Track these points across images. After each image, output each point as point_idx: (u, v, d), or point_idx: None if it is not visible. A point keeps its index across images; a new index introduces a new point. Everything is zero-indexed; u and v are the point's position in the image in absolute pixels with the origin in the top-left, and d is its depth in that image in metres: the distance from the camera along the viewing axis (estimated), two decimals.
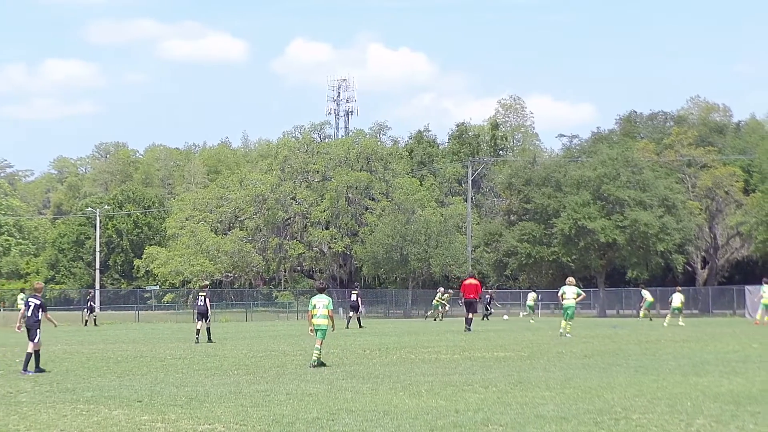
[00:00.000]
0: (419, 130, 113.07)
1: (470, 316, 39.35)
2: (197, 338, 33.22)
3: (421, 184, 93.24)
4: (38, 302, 21.86)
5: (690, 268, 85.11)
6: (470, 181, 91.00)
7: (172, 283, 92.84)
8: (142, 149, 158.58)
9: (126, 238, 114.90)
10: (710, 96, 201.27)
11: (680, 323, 43.22)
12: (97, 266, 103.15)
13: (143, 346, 31.42)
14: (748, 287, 67.08)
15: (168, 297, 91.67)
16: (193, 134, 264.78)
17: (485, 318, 57.94)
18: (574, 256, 76.66)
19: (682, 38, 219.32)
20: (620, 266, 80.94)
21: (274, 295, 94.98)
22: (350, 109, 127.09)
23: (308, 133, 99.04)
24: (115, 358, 25.49)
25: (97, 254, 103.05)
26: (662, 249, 74.42)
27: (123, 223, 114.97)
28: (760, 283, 49.12)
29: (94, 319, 59.86)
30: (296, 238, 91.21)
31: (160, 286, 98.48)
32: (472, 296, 39.75)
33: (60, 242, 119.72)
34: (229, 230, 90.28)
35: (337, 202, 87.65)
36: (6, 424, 12.82)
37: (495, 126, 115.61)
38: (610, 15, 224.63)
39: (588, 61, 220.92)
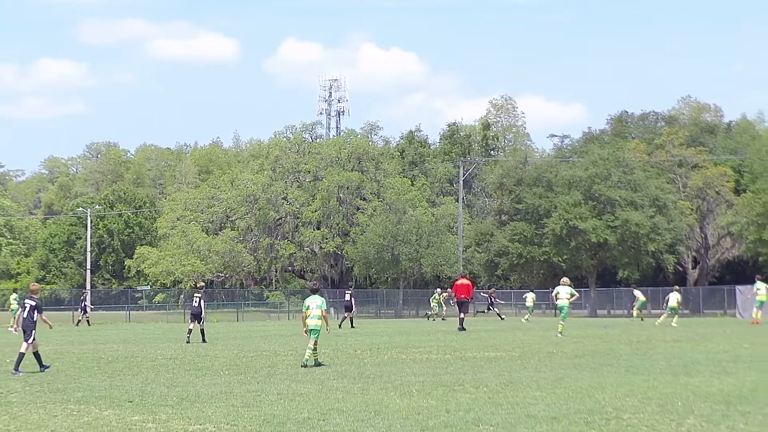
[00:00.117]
0: (410, 130, 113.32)
1: (462, 315, 39.44)
2: (188, 338, 33.17)
3: (412, 184, 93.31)
4: (34, 303, 21.86)
5: (681, 268, 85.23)
6: (461, 181, 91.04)
7: (163, 283, 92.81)
8: (133, 149, 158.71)
9: (117, 238, 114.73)
10: (701, 96, 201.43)
11: (673, 324, 43.23)
12: (88, 266, 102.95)
13: (134, 347, 31.35)
14: (738, 287, 67.21)
15: (159, 297, 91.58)
16: (184, 134, 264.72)
17: (499, 317, 58.14)
18: (565, 256, 76.73)
19: (674, 39, 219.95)
20: (611, 266, 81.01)
21: (265, 295, 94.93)
22: (342, 109, 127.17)
23: (299, 133, 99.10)
24: (106, 359, 25.42)
25: (88, 254, 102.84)
26: (653, 249, 74.51)
27: (114, 223, 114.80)
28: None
29: (87, 320, 59.78)
30: (287, 238, 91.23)
31: (151, 286, 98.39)
32: (463, 296, 39.84)
33: (51, 242, 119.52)
34: (220, 230, 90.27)
35: (329, 202, 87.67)
36: None
37: (486, 126, 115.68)
38: (601, 16, 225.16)
39: (579, 61, 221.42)
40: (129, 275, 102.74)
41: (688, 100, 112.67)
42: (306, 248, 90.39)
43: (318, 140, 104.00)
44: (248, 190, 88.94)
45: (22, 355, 21.23)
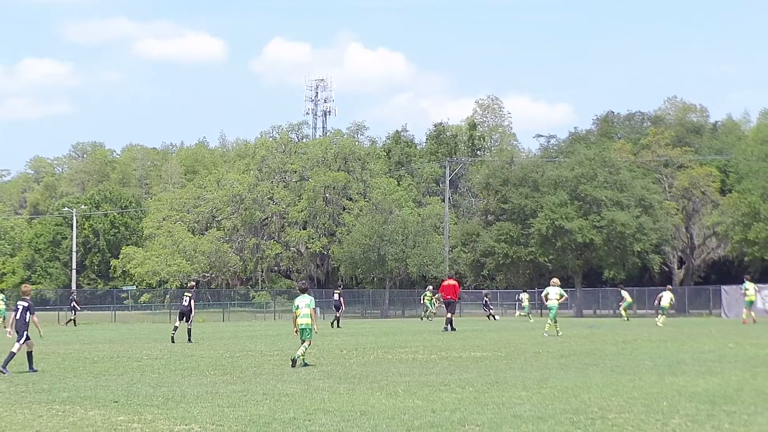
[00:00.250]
0: (397, 131, 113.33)
1: (450, 316, 39.54)
2: (173, 336, 33.12)
3: (398, 184, 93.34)
4: (26, 304, 21.90)
5: (666, 268, 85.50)
6: (448, 181, 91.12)
7: (149, 284, 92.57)
8: (119, 149, 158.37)
9: (103, 238, 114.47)
10: (687, 97, 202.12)
11: (659, 323, 43.36)
12: (74, 266, 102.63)
13: (119, 347, 31.28)
14: (724, 287, 67.48)
15: (145, 297, 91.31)
16: (170, 134, 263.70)
17: (492, 318, 58.43)
18: (551, 256, 76.90)
19: (659, 39, 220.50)
20: (597, 266, 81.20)
21: (251, 295, 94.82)
22: (328, 109, 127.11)
23: (286, 133, 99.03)
24: (91, 359, 25.36)
25: (74, 254, 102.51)
26: (639, 249, 74.72)
27: (100, 223, 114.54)
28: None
29: (74, 320, 59.68)
30: (273, 238, 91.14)
31: (136, 287, 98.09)
32: (450, 297, 39.94)
33: (36, 242, 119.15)
34: (206, 230, 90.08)
35: (315, 202, 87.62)
36: None
37: (472, 126, 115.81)
38: (587, 16, 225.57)
39: (565, 61, 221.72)
40: (115, 275, 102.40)
41: (673, 100, 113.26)
42: (292, 248, 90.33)
43: (304, 140, 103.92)
44: (234, 190, 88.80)
45: (12, 355, 21.19)
